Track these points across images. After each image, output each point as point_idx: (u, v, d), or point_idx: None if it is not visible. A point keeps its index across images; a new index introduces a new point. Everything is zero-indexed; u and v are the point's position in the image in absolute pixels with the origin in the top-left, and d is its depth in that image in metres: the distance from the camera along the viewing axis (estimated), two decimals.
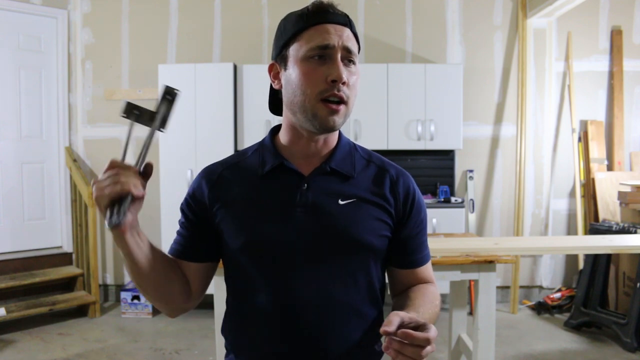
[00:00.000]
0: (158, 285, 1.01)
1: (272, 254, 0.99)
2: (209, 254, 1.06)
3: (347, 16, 0.99)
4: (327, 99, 0.94)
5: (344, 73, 0.94)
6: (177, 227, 1.13)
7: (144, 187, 0.90)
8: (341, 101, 0.95)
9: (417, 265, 1.08)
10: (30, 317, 3.52)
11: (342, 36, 0.95)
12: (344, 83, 0.94)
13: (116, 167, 0.87)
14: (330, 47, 0.94)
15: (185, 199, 1.08)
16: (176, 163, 3.72)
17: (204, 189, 1.05)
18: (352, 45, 0.97)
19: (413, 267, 1.08)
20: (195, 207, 1.06)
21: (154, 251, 0.99)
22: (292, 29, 0.97)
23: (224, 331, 1.09)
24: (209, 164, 1.11)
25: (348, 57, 0.96)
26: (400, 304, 1.02)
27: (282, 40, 0.99)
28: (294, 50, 0.97)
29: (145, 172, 0.91)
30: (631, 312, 3.12)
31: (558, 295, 3.84)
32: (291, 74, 0.97)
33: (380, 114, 3.76)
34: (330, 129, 0.97)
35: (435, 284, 1.11)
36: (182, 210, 1.09)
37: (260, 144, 1.09)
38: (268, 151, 1.05)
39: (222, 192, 1.03)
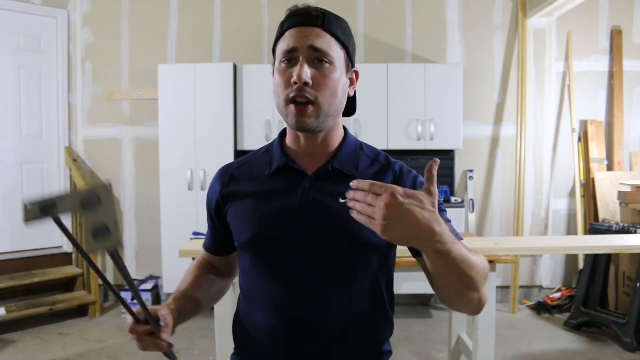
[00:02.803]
0: (210, 305, 1.18)
1: (275, 250, 1.02)
2: (234, 248, 1.15)
3: (323, 15, 0.99)
4: (294, 100, 0.97)
5: (306, 74, 0.95)
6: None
7: (170, 329, 0.94)
8: (308, 102, 0.97)
9: None
10: (30, 317, 3.52)
11: (307, 37, 0.96)
12: (306, 84, 0.95)
13: (132, 333, 0.92)
14: (294, 49, 0.97)
15: (207, 198, 1.16)
16: (176, 163, 3.71)
17: (218, 188, 1.11)
18: (322, 43, 0.97)
19: None
20: (213, 206, 1.12)
21: (198, 299, 1.10)
22: (275, 37, 1.04)
23: (234, 319, 1.14)
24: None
25: (318, 57, 0.97)
26: None
27: (273, 49, 1.05)
28: (276, 57, 1.03)
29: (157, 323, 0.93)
30: (631, 312, 3.12)
31: (558, 295, 3.84)
32: (274, 79, 1.03)
33: (380, 114, 3.76)
34: (304, 129, 0.99)
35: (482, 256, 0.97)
36: (206, 207, 1.16)
37: (271, 145, 1.13)
38: (276, 151, 1.09)
39: (232, 191, 1.09)
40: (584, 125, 4.04)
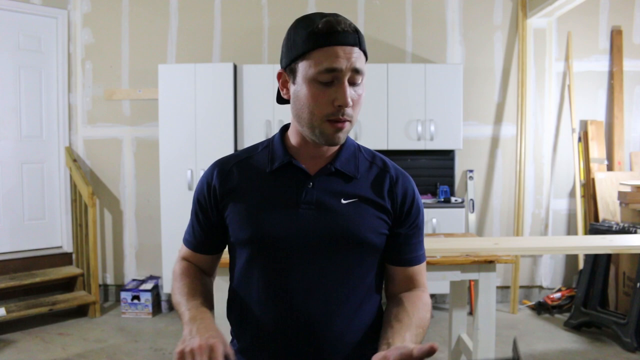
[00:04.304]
0: None
1: (275, 248, 1.02)
2: (221, 246, 1.16)
3: (357, 32, 0.99)
4: (332, 120, 0.98)
5: (350, 97, 0.96)
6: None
7: None
8: (346, 120, 0.99)
9: (411, 264, 1.10)
10: (30, 317, 3.52)
11: (350, 58, 0.96)
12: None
13: None
14: (338, 70, 0.95)
15: (199, 189, 1.12)
16: (176, 163, 3.71)
17: (216, 181, 1.09)
18: (361, 64, 0.99)
19: (407, 265, 1.10)
20: (207, 198, 1.10)
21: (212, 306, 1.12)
22: (302, 45, 0.96)
23: (229, 318, 1.14)
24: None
25: (356, 77, 0.98)
26: (388, 323, 1.01)
27: (292, 55, 0.99)
28: (303, 68, 0.97)
29: None
30: (631, 312, 3.12)
31: (558, 295, 3.84)
32: (299, 90, 0.98)
33: (380, 114, 3.76)
34: (335, 144, 1.01)
35: (426, 289, 1.12)
36: (196, 200, 1.13)
37: (271, 141, 1.12)
38: (277, 149, 1.08)
39: (231, 186, 1.07)
40: (584, 125, 4.04)
